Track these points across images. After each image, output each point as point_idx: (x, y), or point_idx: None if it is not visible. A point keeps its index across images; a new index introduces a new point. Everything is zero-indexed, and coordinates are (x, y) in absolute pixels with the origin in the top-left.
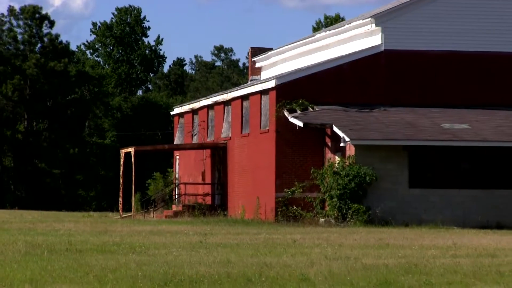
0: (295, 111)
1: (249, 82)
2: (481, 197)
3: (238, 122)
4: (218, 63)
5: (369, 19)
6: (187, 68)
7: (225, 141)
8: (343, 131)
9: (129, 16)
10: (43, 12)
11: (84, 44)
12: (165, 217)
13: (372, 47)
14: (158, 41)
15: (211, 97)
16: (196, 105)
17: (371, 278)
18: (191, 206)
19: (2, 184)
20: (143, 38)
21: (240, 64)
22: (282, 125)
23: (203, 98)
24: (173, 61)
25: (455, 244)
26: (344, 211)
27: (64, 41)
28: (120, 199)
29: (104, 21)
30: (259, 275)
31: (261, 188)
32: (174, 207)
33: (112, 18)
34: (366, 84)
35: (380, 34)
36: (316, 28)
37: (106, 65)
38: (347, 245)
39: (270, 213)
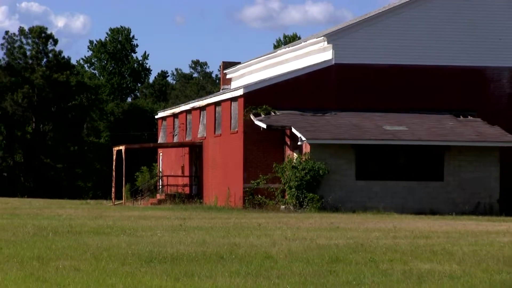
0: (260, 115)
1: (221, 91)
2: (417, 188)
3: (211, 124)
4: (195, 75)
5: (322, 37)
6: (169, 79)
7: (201, 141)
8: (300, 132)
9: (120, 35)
10: (48, 32)
11: (82, 58)
12: (151, 204)
13: (325, 61)
14: (145, 56)
15: (189, 103)
16: (177, 110)
17: (324, 255)
18: (172, 195)
19: (14, 176)
20: (132, 53)
21: (214, 75)
22: (249, 127)
23: (182, 104)
24: (157, 73)
25: (395, 227)
26: (301, 199)
27: (66, 56)
28: (113, 189)
29: (100, 39)
30: (230, 253)
31: (231, 180)
32: (158, 196)
33: (106, 37)
34: (320, 92)
35: (331, 50)
36: (277, 45)
37: (101, 77)
38: (304, 228)
39: (239, 201)
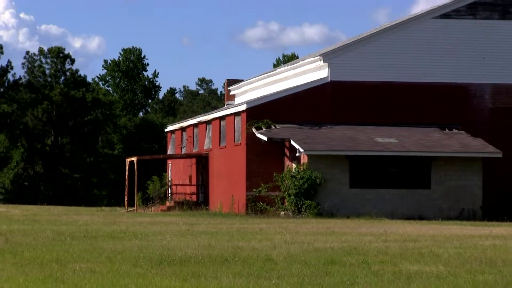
0: (261, 129)
1: (225, 106)
2: (406, 195)
3: (217, 137)
4: (201, 92)
5: (318, 57)
6: (177, 95)
7: (207, 152)
8: (298, 144)
9: (132, 55)
10: (66, 52)
11: (97, 77)
12: (161, 211)
13: (321, 78)
14: (155, 75)
15: (196, 118)
16: (184, 124)
17: (321, 258)
18: (181, 202)
19: (34, 186)
20: (143, 72)
21: (218, 92)
22: (251, 139)
23: (189, 119)
24: (167, 90)
25: (385, 232)
26: (299, 206)
27: (82, 75)
28: (126, 197)
29: (113, 59)
30: (234, 256)
31: (235, 188)
32: (167, 203)
33: (119, 56)
34: (316, 107)
35: (327, 68)
36: (277, 64)
37: (115, 93)
38: (302, 233)
39: (242, 207)
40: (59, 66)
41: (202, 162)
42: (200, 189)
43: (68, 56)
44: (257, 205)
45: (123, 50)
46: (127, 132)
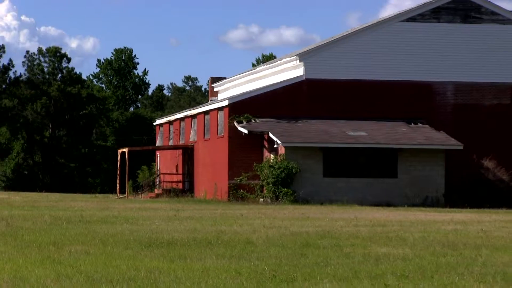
0: (242, 122)
1: (209, 102)
2: (375, 184)
3: (201, 130)
4: (187, 88)
5: (295, 57)
6: (165, 91)
7: (192, 144)
8: (276, 137)
9: (124, 55)
10: (63, 51)
11: (92, 74)
12: (150, 198)
13: (297, 77)
14: (145, 72)
15: (182, 112)
16: (172, 118)
17: (297, 241)
18: (168, 190)
19: (33, 174)
20: (134, 70)
21: (203, 89)
22: (233, 132)
23: (176, 113)
24: (155, 86)
25: (356, 217)
26: (277, 194)
27: (77, 72)
28: (118, 185)
29: (106, 58)
30: (217, 239)
31: (218, 177)
32: (156, 191)
33: (112, 56)
34: (293, 103)
35: (303, 67)
36: (256, 63)
37: (108, 90)
38: (279, 218)
39: (224, 195)
40: (56, 65)
41: (188, 153)
42: (186, 177)
43: (65, 55)
44: (238, 192)
45: (115, 50)
46: (119, 125)
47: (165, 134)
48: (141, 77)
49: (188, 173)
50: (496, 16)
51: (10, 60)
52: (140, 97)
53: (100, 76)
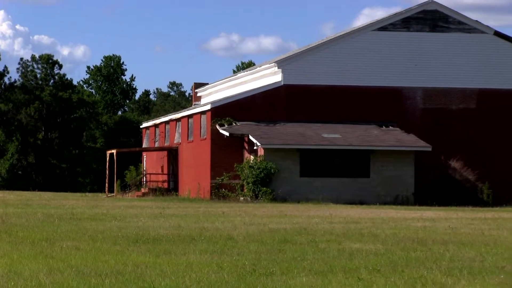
0: (224, 125)
1: (193, 106)
2: (348, 183)
3: (185, 132)
4: (172, 93)
5: (273, 63)
6: (151, 96)
7: (177, 146)
8: (256, 139)
9: (112, 62)
10: (55, 58)
11: (82, 80)
12: (136, 196)
13: (275, 82)
14: (132, 78)
15: (167, 116)
16: (157, 121)
17: (275, 237)
18: (154, 189)
19: (27, 174)
20: (122, 76)
21: (187, 94)
22: (215, 134)
23: (162, 117)
24: (142, 91)
25: (331, 215)
26: (257, 192)
27: (69, 78)
28: (106, 184)
29: (96, 65)
30: (200, 235)
31: (201, 177)
32: (142, 190)
33: (101, 63)
34: (271, 107)
35: (281, 74)
36: (237, 70)
37: (97, 94)
38: (259, 215)
39: (207, 193)
40: (49, 71)
41: (172, 154)
42: (171, 177)
43: (56, 62)
44: (220, 191)
45: (105, 57)
46: (107, 128)
47: (151, 137)
48: (128, 82)
49: (173, 173)
50: (462, 26)
51: (5, 66)
52: (127, 101)
53: (90, 81)
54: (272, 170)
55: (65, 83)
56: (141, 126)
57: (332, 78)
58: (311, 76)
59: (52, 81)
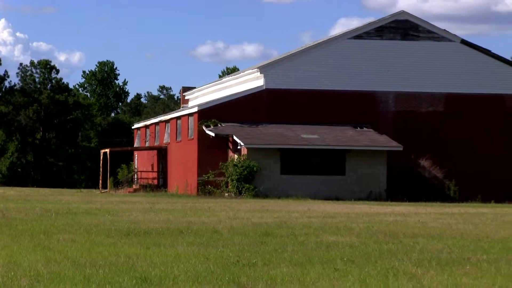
0: (210, 126)
1: (181, 108)
2: (325, 180)
3: (174, 133)
4: (162, 96)
5: (256, 69)
6: (142, 99)
7: (166, 145)
8: (239, 139)
9: (106, 67)
10: (52, 64)
11: (78, 84)
12: (128, 193)
13: (258, 86)
14: (124, 82)
15: (157, 118)
16: (148, 122)
17: (257, 230)
18: (145, 185)
19: (26, 172)
20: (115, 80)
21: (176, 97)
22: (202, 135)
23: (152, 118)
24: (134, 95)
25: (309, 210)
26: (240, 189)
27: (65, 82)
28: (100, 181)
29: (91, 69)
30: (187, 228)
31: (188, 174)
32: (134, 186)
33: (95, 68)
34: (254, 110)
35: (263, 78)
36: (222, 75)
37: (92, 97)
38: (242, 210)
39: (194, 190)
40: (46, 75)
41: (162, 153)
42: (160, 175)
43: (54, 67)
44: (206, 188)
45: (99, 62)
46: (101, 129)
47: (142, 137)
48: (121, 86)
49: (162, 170)
50: (431, 34)
51: (6, 71)
52: (120, 104)
53: (85, 85)
54: (254, 168)
55: (61, 87)
56: (132, 127)
57: (311, 82)
58: (291, 80)
59: (49, 85)
